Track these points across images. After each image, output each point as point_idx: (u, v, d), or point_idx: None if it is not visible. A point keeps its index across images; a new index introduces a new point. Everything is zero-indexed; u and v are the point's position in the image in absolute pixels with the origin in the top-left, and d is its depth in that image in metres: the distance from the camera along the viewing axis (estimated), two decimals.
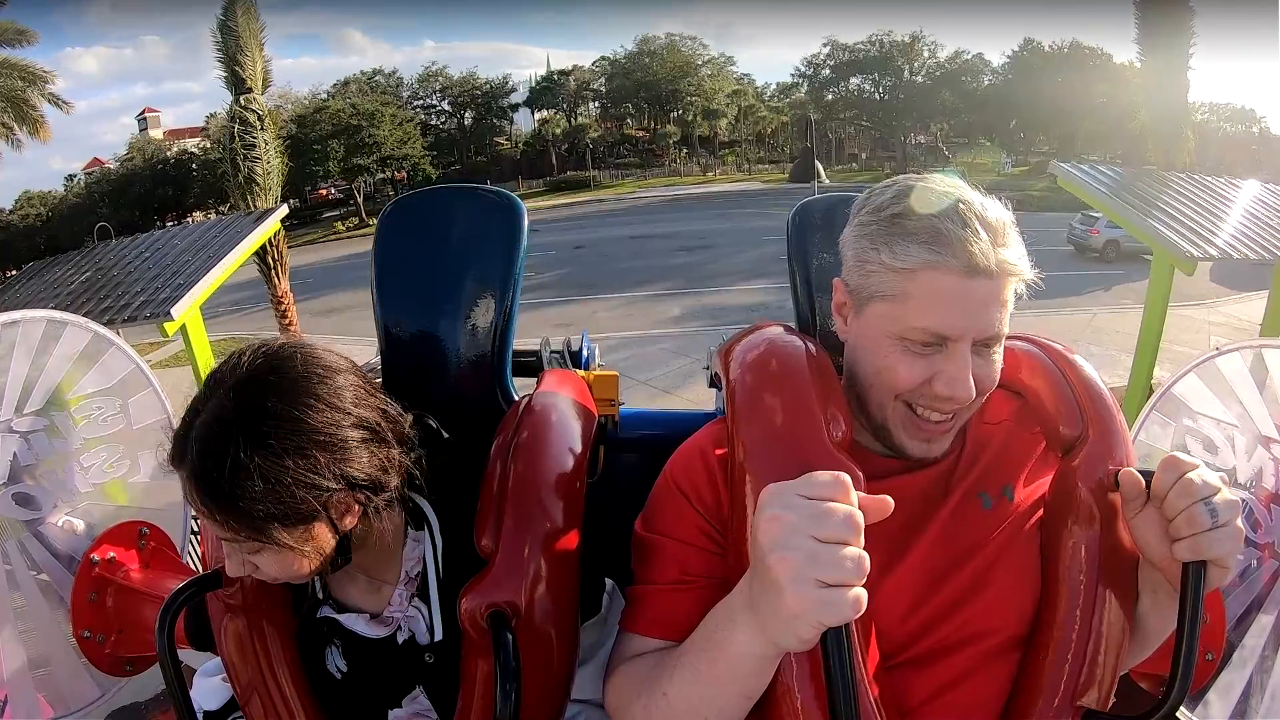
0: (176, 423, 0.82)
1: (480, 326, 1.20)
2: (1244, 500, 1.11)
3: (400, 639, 0.96)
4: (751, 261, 18.68)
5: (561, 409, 1.05)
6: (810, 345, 0.93)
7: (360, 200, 37.32)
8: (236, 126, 10.77)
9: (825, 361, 0.92)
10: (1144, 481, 0.78)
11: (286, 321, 10.98)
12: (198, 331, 4.25)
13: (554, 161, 44.56)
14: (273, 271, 10.69)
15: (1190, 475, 0.74)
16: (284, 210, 5.35)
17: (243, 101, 10.93)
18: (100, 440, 1.34)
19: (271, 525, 0.78)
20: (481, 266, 1.21)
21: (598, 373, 1.37)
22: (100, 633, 1.27)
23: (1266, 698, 1.05)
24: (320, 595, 0.99)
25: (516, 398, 1.16)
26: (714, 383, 1.25)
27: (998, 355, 0.86)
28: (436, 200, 1.28)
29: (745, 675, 0.73)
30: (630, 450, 1.37)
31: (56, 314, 1.32)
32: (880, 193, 0.88)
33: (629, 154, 46.13)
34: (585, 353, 1.55)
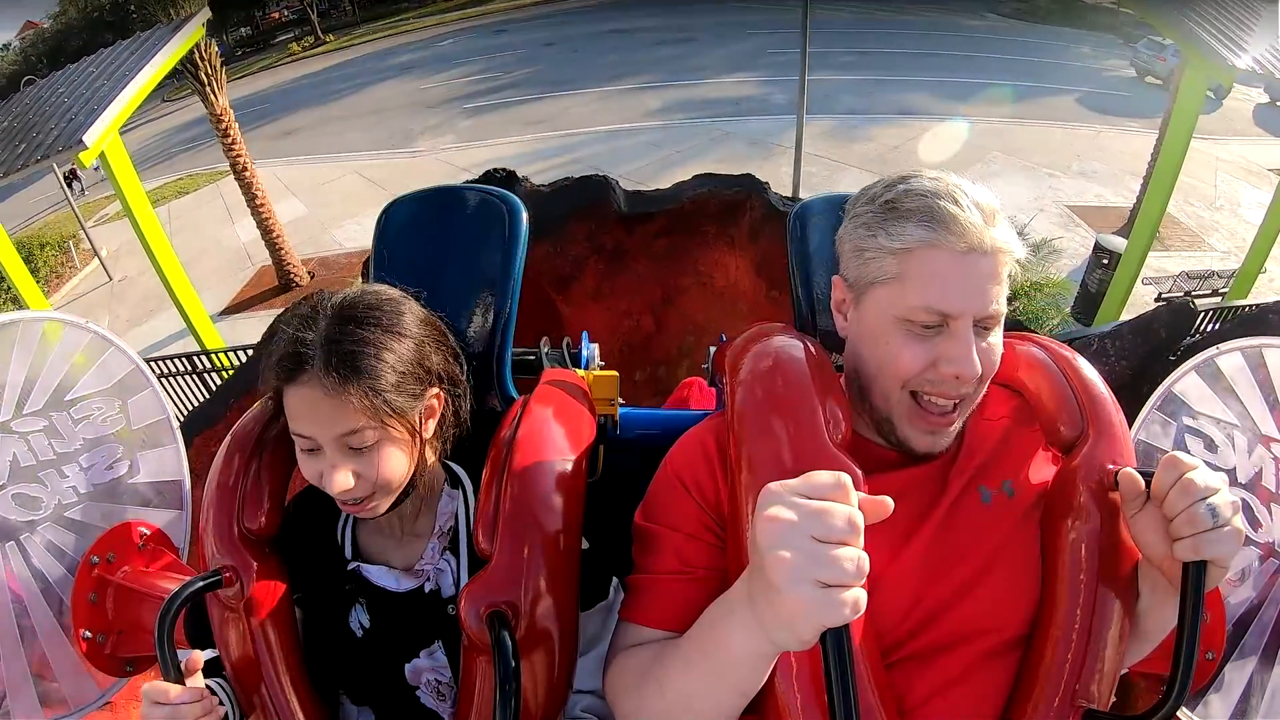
0: (175, 422, 0.83)
1: (479, 326, 1.20)
2: (1244, 499, 1.11)
3: (427, 589, 0.99)
4: (737, 55, 17.40)
5: (561, 409, 1.05)
6: (809, 344, 0.94)
7: (315, 17, 34.08)
8: None
9: (824, 360, 0.92)
10: (1144, 481, 0.78)
11: (230, 141, 10.09)
12: (120, 158, 3.83)
13: None
14: (206, 88, 9.68)
15: (1190, 475, 0.74)
16: (206, 14, 4.75)
17: None
18: (100, 441, 1.34)
19: (402, 400, 0.90)
20: (480, 266, 1.21)
21: (597, 373, 1.37)
22: (100, 633, 1.27)
23: (1267, 697, 1.05)
24: (349, 554, 1.03)
25: (516, 398, 1.16)
26: (713, 381, 1.25)
27: (997, 338, 0.86)
28: (435, 200, 1.28)
29: (741, 672, 0.72)
30: (630, 450, 1.37)
31: (55, 315, 1.32)
32: (873, 187, 0.90)
33: None
34: (585, 353, 1.55)
